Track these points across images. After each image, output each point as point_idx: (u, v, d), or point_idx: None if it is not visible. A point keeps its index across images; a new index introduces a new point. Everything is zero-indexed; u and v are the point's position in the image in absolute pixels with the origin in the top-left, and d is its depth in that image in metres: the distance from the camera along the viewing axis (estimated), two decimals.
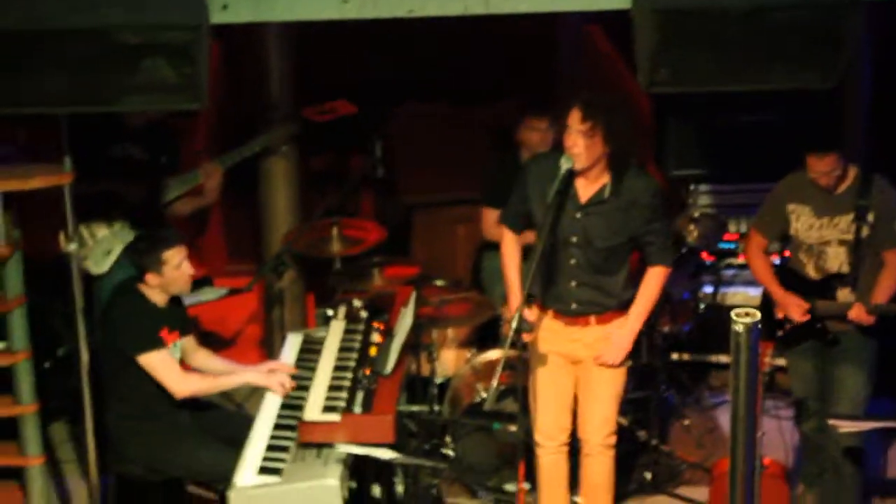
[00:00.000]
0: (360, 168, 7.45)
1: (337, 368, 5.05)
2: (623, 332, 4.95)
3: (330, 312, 5.49)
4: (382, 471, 5.01)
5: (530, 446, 5.10)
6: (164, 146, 6.03)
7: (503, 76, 8.12)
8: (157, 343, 4.91)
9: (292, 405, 4.87)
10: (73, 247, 5.08)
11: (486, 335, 6.14)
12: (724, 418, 6.30)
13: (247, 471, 4.51)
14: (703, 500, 5.57)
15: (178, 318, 5.11)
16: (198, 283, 5.88)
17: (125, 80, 4.12)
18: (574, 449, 5.13)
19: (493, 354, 5.75)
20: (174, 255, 4.93)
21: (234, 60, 7.37)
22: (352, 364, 5.05)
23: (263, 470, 4.50)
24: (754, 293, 6.23)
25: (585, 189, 4.83)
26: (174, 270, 4.93)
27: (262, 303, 6.81)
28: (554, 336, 4.98)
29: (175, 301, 5.11)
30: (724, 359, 6.60)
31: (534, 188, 4.87)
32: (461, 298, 6.16)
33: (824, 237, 5.19)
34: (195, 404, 5.08)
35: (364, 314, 5.38)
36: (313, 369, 5.08)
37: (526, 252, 4.96)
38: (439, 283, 6.27)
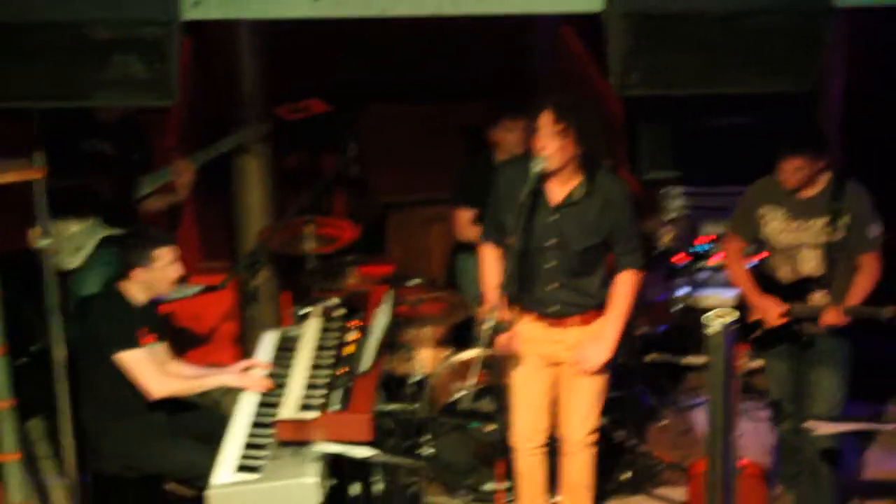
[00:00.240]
0: (333, 167, 7.41)
1: (314, 367, 5.01)
2: (600, 344, 4.88)
3: (306, 310, 5.46)
4: (361, 469, 4.97)
5: (508, 446, 5.08)
6: (135, 142, 5.98)
7: (476, 77, 8.11)
8: (134, 342, 4.88)
9: (270, 403, 4.84)
10: (44, 242, 5.02)
11: (461, 335, 6.12)
12: (701, 419, 6.30)
13: (225, 468, 4.47)
14: (682, 501, 5.57)
15: (155, 321, 5.11)
16: None
17: (96, 75, 4.10)
18: (553, 449, 5.11)
19: (470, 354, 5.73)
20: (166, 254, 4.96)
21: (206, 58, 7.33)
22: (329, 362, 5.01)
23: (242, 468, 4.46)
24: (728, 295, 6.24)
25: (557, 191, 4.81)
26: (163, 269, 4.95)
27: (237, 300, 6.78)
28: (536, 339, 4.95)
29: (152, 305, 5.10)
30: (699, 360, 6.62)
31: (506, 194, 4.82)
32: (436, 297, 6.16)
33: (798, 240, 5.20)
34: (172, 402, 5.04)
35: (340, 312, 5.35)
36: (290, 367, 5.05)
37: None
38: (414, 281, 6.25)
